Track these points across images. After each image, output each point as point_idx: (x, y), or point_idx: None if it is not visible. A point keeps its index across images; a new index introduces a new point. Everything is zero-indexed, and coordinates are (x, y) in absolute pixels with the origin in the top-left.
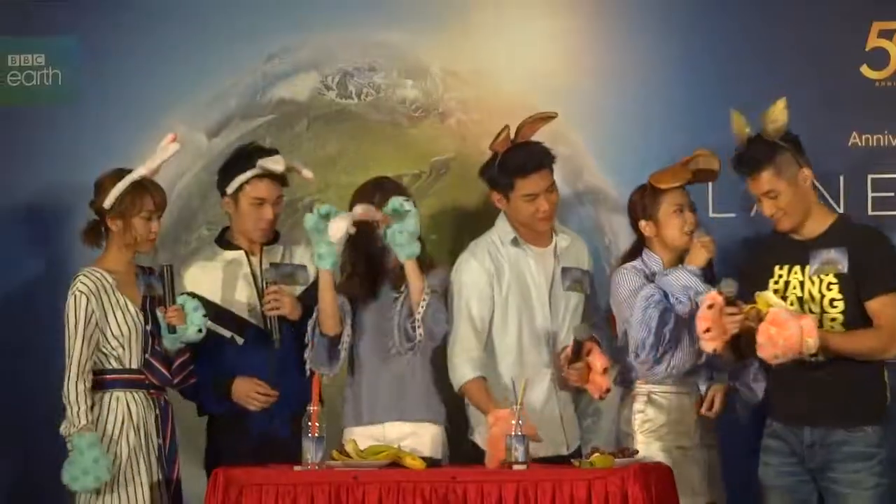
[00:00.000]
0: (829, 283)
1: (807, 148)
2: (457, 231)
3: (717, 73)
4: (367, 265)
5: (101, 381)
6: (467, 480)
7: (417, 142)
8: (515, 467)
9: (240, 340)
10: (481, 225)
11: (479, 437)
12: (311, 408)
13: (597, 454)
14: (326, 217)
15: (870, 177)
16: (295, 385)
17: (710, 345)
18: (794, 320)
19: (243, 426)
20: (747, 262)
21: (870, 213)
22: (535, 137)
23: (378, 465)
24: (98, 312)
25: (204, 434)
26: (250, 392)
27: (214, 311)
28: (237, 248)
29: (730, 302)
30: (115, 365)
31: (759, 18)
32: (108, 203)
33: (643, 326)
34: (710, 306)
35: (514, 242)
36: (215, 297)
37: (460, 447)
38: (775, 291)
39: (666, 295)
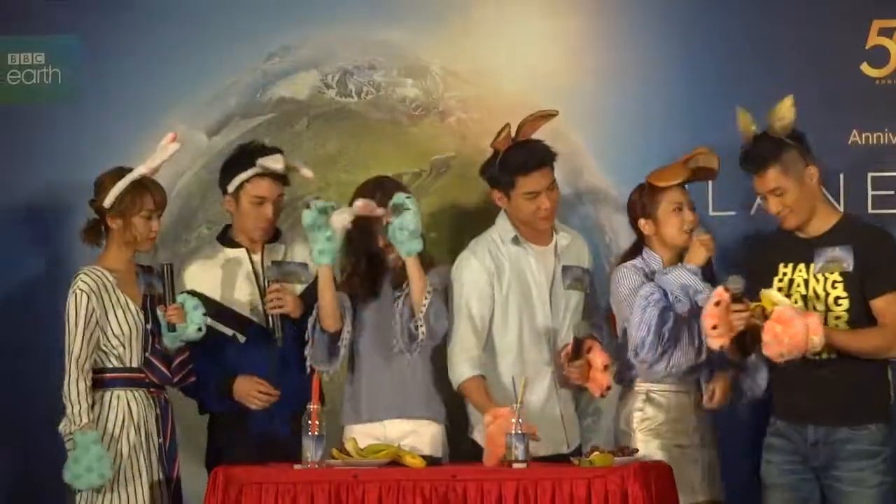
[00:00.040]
0: (834, 282)
1: None
2: (457, 229)
3: (718, 72)
4: (367, 264)
5: (101, 380)
6: (467, 479)
7: (418, 140)
8: (515, 466)
9: (241, 338)
10: (481, 223)
11: (479, 436)
12: (312, 406)
13: (596, 453)
14: (324, 213)
15: (870, 175)
16: (295, 383)
17: (716, 342)
18: (800, 318)
19: (243, 425)
20: (751, 259)
21: (870, 211)
22: (536, 136)
23: (378, 463)
24: (98, 311)
25: (204, 432)
26: (251, 391)
27: (216, 310)
28: (239, 245)
29: (736, 299)
30: (115, 363)
31: (759, 17)
32: (108, 202)
33: (643, 325)
34: (717, 303)
35: (515, 241)
36: (216, 295)
37: (460, 446)
38: (780, 289)
39: (665, 293)
